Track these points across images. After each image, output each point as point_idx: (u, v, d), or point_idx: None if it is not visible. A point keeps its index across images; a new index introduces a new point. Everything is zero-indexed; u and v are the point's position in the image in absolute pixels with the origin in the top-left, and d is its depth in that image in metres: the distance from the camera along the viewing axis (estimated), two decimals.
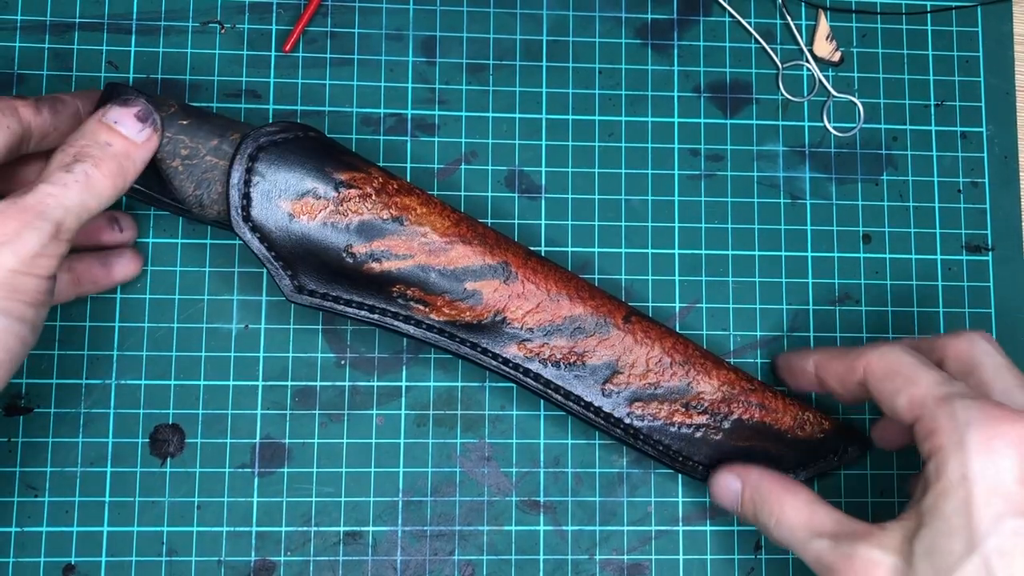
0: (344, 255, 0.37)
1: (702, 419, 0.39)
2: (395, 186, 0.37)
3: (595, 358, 0.39)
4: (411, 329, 0.38)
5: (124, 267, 0.40)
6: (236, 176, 0.36)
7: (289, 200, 0.36)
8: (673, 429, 0.39)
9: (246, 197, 0.36)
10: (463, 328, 0.38)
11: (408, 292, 0.38)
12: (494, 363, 0.39)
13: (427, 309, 0.38)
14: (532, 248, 0.41)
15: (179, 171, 0.36)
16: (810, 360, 0.39)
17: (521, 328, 0.39)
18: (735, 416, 0.40)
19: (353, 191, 0.37)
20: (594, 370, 0.39)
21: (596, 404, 0.39)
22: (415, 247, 0.37)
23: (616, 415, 0.39)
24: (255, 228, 0.36)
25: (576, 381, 0.39)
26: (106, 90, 0.36)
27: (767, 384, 0.41)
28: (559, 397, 0.39)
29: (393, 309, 0.38)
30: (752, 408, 0.40)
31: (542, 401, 0.42)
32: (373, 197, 0.37)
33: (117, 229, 0.40)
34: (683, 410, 0.39)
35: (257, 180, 0.36)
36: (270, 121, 0.42)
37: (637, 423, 0.39)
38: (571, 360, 0.39)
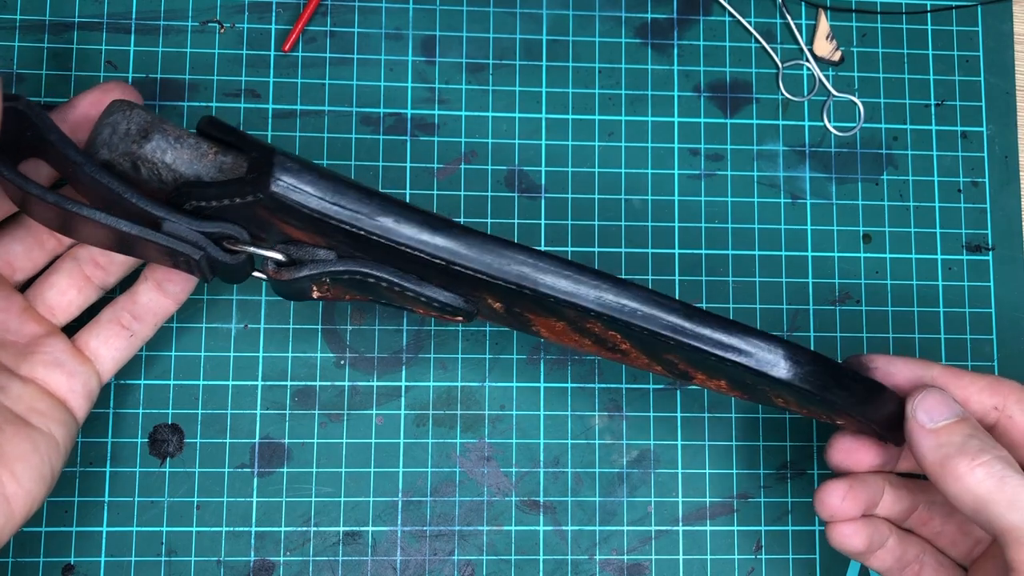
0: None
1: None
2: None
3: None
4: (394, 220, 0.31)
5: (180, 283, 0.37)
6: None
7: None
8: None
9: None
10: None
11: None
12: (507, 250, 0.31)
13: None
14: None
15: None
16: (932, 372, 0.35)
17: None
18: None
19: None
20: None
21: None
22: None
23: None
24: None
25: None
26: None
27: None
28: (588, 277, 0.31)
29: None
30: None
31: (542, 401, 0.42)
32: None
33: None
34: None
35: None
36: (268, 121, 0.42)
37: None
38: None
